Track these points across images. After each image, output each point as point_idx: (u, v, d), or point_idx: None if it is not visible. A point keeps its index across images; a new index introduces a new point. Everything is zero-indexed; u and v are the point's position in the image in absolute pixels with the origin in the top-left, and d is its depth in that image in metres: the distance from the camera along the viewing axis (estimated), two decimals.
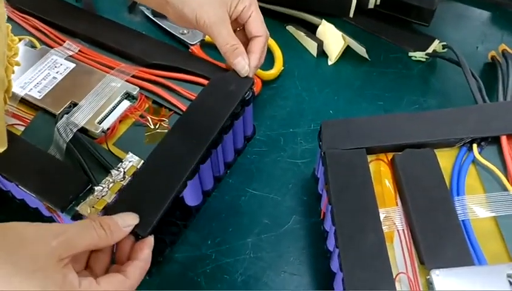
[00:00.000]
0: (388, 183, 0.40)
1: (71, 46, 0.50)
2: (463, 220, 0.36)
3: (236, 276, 0.42)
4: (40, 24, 0.52)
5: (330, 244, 0.42)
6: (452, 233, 0.35)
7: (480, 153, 0.40)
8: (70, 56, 0.49)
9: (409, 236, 0.37)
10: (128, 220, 0.34)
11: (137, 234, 0.35)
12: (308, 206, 0.47)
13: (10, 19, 0.53)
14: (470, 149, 0.40)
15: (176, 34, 0.61)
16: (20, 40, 0.50)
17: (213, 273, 0.43)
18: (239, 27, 0.46)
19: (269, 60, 0.57)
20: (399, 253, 0.36)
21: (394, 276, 0.34)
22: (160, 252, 0.44)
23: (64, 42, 0.50)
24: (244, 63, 0.44)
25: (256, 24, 0.45)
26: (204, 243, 0.45)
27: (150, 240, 0.34)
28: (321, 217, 0.45)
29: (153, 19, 0.63)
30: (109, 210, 0.38)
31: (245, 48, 0.45)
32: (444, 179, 0.38)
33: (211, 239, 0.45)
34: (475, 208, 0.37)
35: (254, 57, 0.44)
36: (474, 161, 0.40)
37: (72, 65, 0.48)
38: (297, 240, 0.45)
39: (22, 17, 0.53)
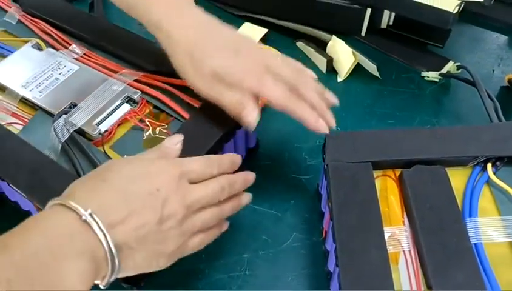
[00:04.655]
0: (395, 200, 0.37)
1: (77, 49, 0.49)
2: (475, 244, 0.34)
3: None
4: (49, 27, 0.52)
5: (331, 264, 0.39)
6: (463, 256, 0.33)
7: (495, 173, 0.37)
8: (75, 58, 0.48)
9: (416, 258, 0.34)
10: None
11: None
12: (310, 224, 0.44)
13: (20, 22, 0.53)
14: (484, 169, 0.38)
15: None
16: (26, 41, 0.50)
17: (205, 290, 0.40)
18: None
19: None
20: (404, 275, 0.33)
21: None
22: None
23: (70, 45, 0.50)
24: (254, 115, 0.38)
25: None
26: (197, 257, 0.42)
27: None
28: (323, 236, 0.43)
29: None
30: None
31: None
32: (455, 199, 0.36)
33: (205, 253, 0.42)
34: (489, 231, 0.35)
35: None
36: (488, 182, 0.37)
37: (76, 67, 0.47)
38: (296, 259, 0.42)
39: (32, 20, 0.53)
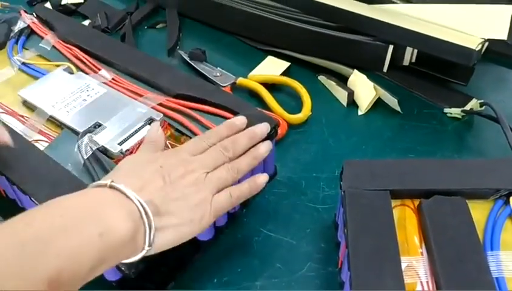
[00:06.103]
0: (413, 231, 0.36)
1: (106, 74, 0.52)
2: (496, 278, 0.32)
3: None
4: (81, 53, 0.54)
5: None
6: (484, 289, 0.31)
7: None
8: (103, 82, 0.50)
9: (434, 289, 0.33)
10: None
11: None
12: (325, 254, 0.43)
13: (54, 48, 0.56)
14: (507, 202, 0.37)
15: (210, 77, 0.62)
16: (58, 65, 0.53)
17: None
18: None
19: (297, 105, 0.57)
20: None
21: None
22: (161, 287, 0.41)
23: (100, 70, 0.52)
24: None
25: None
26: (210, 281, 0.41)
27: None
28: (339, 266, 0.42)
29: (190, 62, 0.65)
30: None
31: None
32: (476, 231, 0.34)
33: (217, 277, 0.42)
34: None
35: None
36: (511, 215, 0.36)
37: (103, 90, 0.49)
38: (310, 289, 0.41)
39: (66, 46, 0.56)
